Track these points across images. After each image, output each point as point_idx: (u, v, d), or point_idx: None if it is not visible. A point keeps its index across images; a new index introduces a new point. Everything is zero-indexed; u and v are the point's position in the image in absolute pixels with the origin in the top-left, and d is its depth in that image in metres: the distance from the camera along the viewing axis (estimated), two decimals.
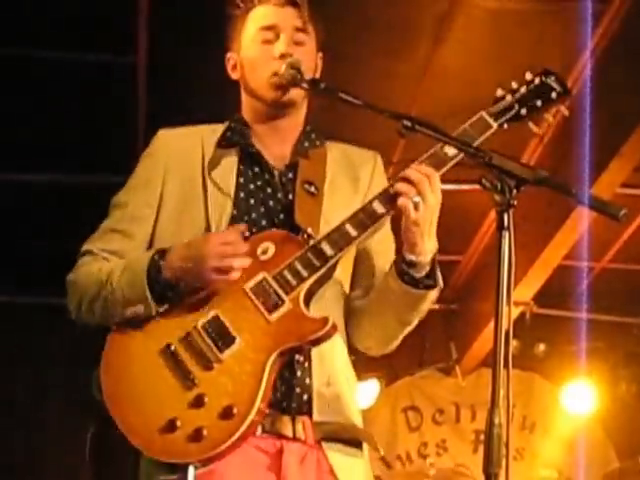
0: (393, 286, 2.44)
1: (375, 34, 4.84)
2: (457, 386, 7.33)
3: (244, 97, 2.65)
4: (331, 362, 2.48)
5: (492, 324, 6.65)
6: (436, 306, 7.10)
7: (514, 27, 4.84)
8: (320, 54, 2.65)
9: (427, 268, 2.42)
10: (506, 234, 2.15)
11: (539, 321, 6.54)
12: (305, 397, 2.42)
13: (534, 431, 7.27)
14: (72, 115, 5.23)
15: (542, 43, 4.88)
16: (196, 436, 2.28)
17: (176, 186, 2.55)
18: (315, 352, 2.43)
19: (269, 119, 2.59)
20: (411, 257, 2.40)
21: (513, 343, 5.44)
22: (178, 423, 2.29)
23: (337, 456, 2.44)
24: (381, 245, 2.61)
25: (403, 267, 2.41)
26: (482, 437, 7.72)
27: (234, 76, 2.65)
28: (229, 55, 2.66)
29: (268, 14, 2.58)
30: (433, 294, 2.47)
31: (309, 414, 2.42)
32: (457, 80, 5.15)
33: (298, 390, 2.42)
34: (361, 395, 6.91)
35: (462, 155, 2.42)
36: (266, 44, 2.56)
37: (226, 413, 2.28)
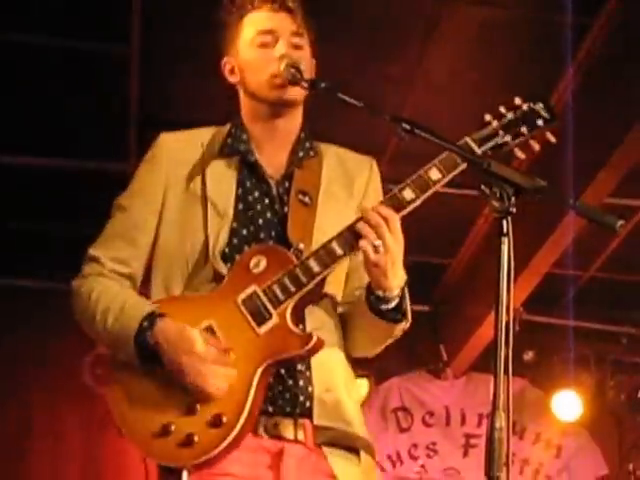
0: (363, 313, 2.51)
1: (364, 37, 4.88)
2: (447, 389, 7.35)
3: (243, 100, 2.68)
4: (329, 370, 2.54)
5: (482, 328, 6.60)
6: (426, 307, 7.16)
7: (500, 36, 4.89)
8: (314, 61, 2.69)
9: (395, 301, 2.47)
10: (505, 240, 2.19)
11: (528, 328, 6.57)
12: (307, 404, 2.49)
13: (524, 437, 7.28)
14: (62, 101, 5.28)
15: (527, 52, 4.94)
16: (187, 442, 2.37)
17: (177, 195, 2.59)
18: (315, 361, 2.50)
19: (269, 119, 2.63)
20: (377, 292, 2.46)
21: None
22: (172, 428, 2.39)
23: (337, 461, 2.51)
24: None
25: (371, 298, 2.48)
26: (472, 441, 7.75)
27: (232, 80, 2.69)
28: (225, 59, 2.69)
29: (265, 19, 2.62)
30: (401, 326, 2.53)
31: (310, 418, 2.49)
32: (445, 84, 5.20)
33: (302, 398, 2.49)
34: None
35: (418, 202, 2.45)
36: (265, 47, 2.60)
37: (215, 422, 2.38)
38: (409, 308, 2.52)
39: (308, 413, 2.49)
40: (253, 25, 2.63)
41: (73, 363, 6.55)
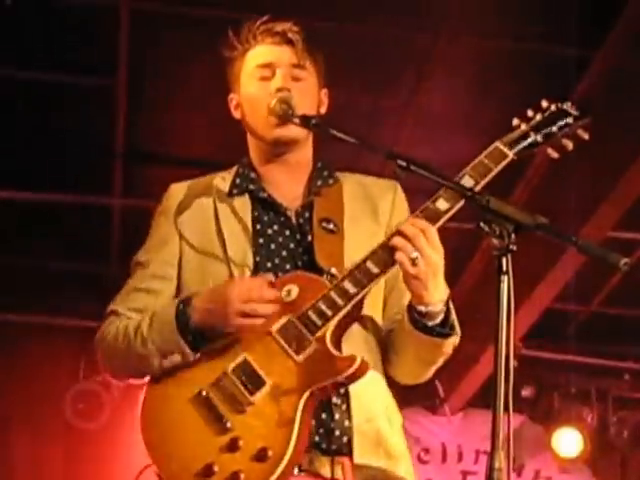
0: (408, 333, 2.44)
1: (358, 72, 4.86)
2: (444, 425, 7.30)
3: (249, 138, 2.68)
4: (369, 398, 2.48)
5: (479, 365, 6.56)
6: None
7: (498, 68, 4.88)
8: (325, 90, 2.68)
9: (440, 316, 2.40)
10: (505, 278, 2.13)
11: (527, 363, 6.52)
12: (345, 439, 2.43)
13: (522, 474, 7.23)
14: (47, 134, 5.27)
15: (526, 85, 4.91)
16: None
17: (193, 242, 2.59)
18: (354, 390, 2.43)
19: (275, 157, 2.62)
20: (420, 308, 2.39)
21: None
22: (215, 468, 2.32)
23: None
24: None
25: (415, 315, 2.41)
26: (469, 478, 7.65)
27: (236, 116, 2.68)
28: (231, 96, 2.69)
29: (264, 52, 2.62)
30: (451, 340, 2.46)
31: (349, 455, 2.42)
32: (440, 118, 5.17)
33: (337, 433, 2.42)
34: None
35: (456, 209, 2.39)
36: (263, 81, 2.60)
37: (261, 455, 2.31)
38: (457, 322, 2.46)
39: (347, 450, 2.41)
40: (253, 59, 2.63)
41: (56, 398, 6.52)
